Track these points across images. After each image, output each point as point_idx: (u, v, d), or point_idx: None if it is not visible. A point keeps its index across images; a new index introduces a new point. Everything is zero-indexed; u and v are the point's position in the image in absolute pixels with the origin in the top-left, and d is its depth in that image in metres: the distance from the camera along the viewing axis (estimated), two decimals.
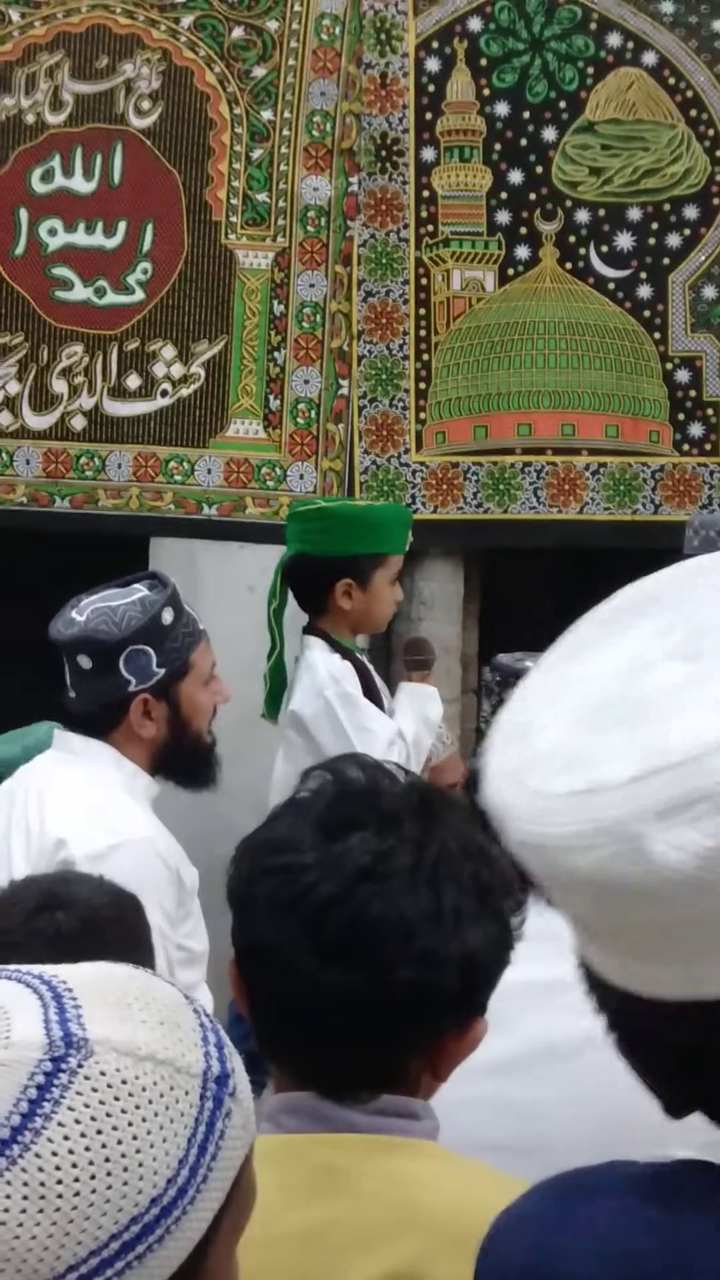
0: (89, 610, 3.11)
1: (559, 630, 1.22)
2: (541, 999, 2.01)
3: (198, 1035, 1.13)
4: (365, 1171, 1.53)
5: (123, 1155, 1.05)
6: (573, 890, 1.10)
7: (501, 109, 5.42)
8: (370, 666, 4.38)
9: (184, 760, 3.20)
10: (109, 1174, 1.04)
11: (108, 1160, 1.05)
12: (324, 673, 4.20)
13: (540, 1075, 1.97)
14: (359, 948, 1.50)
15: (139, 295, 5.39)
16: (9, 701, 4.81)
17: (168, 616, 3.12)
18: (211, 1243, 1.10)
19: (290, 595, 4.33)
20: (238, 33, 5.35)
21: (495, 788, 1.13)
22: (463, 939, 1.53)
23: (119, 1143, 1.05)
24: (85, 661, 3.09)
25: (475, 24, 5.41)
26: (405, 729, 4.21)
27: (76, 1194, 1.04)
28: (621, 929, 1.08)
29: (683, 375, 5.43)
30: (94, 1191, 1.04)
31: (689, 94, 5.40)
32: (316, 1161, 1.53)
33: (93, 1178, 1.04)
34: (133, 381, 5.40)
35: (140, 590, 3.16)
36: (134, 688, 3.09)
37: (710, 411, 5.42)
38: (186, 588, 3.32)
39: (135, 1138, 1.06)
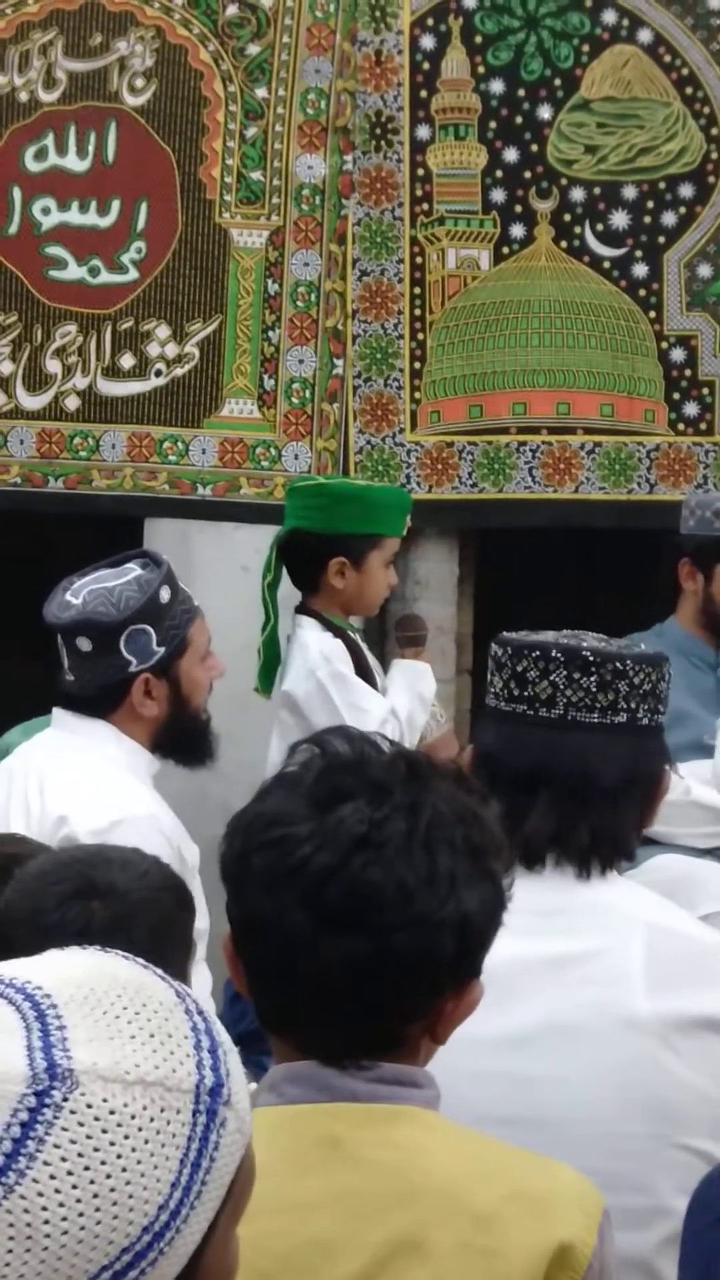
0: (84, 592, 3.10)
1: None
2: (552, 974, 2.01)
3: (190, 1043, 1.09)
4: (367, 1141, 1.54)
5: (112, 1190, 1.02)
6: None
7: (496, 86, 5.39)
8: (363, 645, 4.38)
9: (183, 737, 3.20)
10: (98, 1209, 1.02)
11: (96, 1196, 1.02)
12: (316, 652, 4.19)
13: (553, 1050, 1.97)
14: (358, 915, 1.51)
15: (133, 274, 5.37)
16: (3, 681, 4.81)
17: (165, 595, 3.12)
18: (209, 1242, 1.09)
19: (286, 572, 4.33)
20: (231, 10, 5.33)
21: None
22: (459, 901, 1.54)
23: (108, 1177, 1.02)
24: (85, 644, 3.08)
25: (470, 1, 5.38)
26: (399, 706, 4.21)
27: (65, 1233, 1.01)
28: None
29: (678, 354, 5.42)
30: (83, 1229, 1.01)
31: (684, 71, 5.38)
32: (319, 1132, 1.54)
33: (81, 1215, 1.01)
34: (127, 361, 5.39)
35: (134, 569, 3.15)
36: (135, 668, 3.09)
37: (705, 390, 5.41)
38: (180, 568, 3.31)
39: (125, 1169, 1.03)
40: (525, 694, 2.14)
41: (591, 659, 2.12)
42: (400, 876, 1.51)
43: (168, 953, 1.94)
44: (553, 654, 2.13)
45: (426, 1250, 1.48)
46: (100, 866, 2.11)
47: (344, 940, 1.50)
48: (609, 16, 5.38)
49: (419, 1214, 1.50)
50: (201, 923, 3.03)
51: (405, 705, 4.25)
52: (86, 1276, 1.02)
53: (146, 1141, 1.04)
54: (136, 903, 2.06)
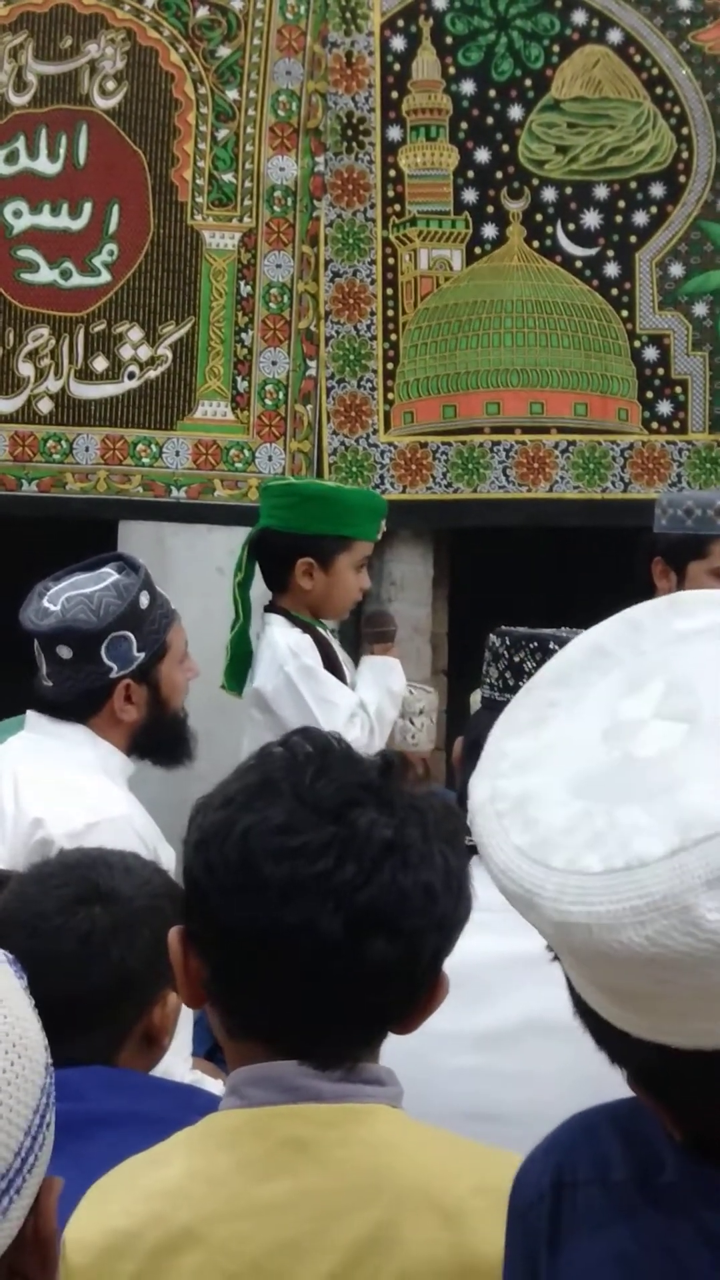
0: (63, 598, 3.09)
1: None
2: (530, 971, 2.01)
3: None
4: (333, 1141, 1.54)
5: None
6: (613, 964, 1.10)
7: (467, 87, 5.40)
8: (332, 641, 4.36)
9: (162, 739, 3.20)
10: None
11: None
12: (283, 648, 4.18)
13: (533, 1047, 1.98)
14: (394, 921, 1.51)
15: (105, 277, 5.37)
16: None
17: (145, 600, 3.11)
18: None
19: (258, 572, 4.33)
20: (202, 12, 5.33)
21: (508, 867, 1.13)
22: (468, 898, 1.58)
23: None
24: (65, 651, 3.07)
25: (440, 2, 5.39)
26: (368, 701, 4.20)
27: None
28: (661, 995, 1.09)
29: (651, 353, 5.43)
30: None
31: (654, 71, 5.40)
32: (284, 1134, 1.54)
33: None
34: (100, 364, 5.38)
35: (111, 574, 3.14)
36: (116, 674, 3.08)
37: (678, 389, 5.43)
38: (155, 571, 3.31)
39: None
40: (521, 684, 2.16)
41: None
42: (428, 880, 1.53)
43: (167, 961, 1.94)
44: (550, 646, 2.16)
45: (397, 1247, 1.49)
46: (103, 871, 2.10)
47: (383, 945, 1.51)
48: (579, 17, 5.39)
49: (388, 1212, 1.50)
50: None
51: (374, 699, 4.23)
52: None
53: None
54: (139, 910, 2.04)
